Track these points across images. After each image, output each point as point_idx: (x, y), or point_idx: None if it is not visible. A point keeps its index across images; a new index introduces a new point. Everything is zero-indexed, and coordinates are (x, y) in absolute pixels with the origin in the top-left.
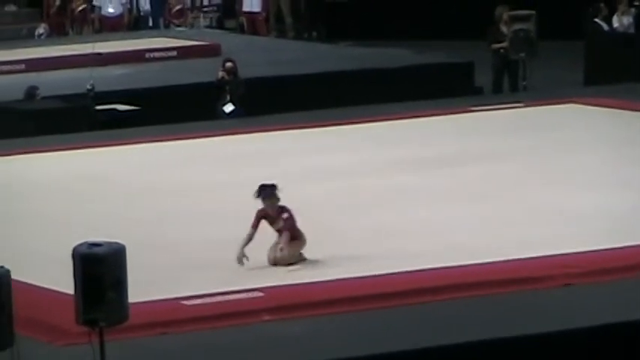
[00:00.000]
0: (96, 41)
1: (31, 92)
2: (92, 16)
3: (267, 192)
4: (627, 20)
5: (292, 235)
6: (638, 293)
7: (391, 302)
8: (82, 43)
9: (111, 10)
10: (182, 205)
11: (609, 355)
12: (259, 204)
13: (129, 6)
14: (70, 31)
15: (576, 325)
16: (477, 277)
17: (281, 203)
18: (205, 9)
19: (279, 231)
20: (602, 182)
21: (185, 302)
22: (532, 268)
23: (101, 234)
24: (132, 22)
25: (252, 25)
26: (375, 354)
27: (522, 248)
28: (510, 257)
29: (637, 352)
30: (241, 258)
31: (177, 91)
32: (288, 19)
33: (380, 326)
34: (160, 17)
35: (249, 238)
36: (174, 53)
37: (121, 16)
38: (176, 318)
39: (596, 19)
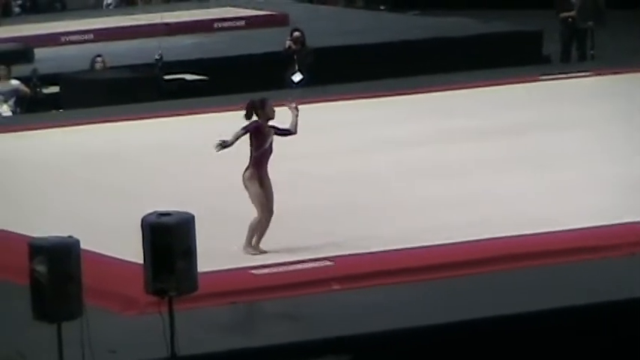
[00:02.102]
0: (164, 11)
1: (92, 61)
2: None
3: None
4: None
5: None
6: None
7: (458, 271)
8: (150, 13)
9: None
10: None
11: None
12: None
13: None
14: (139, 1)
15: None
16: (543, 247)
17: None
18: None
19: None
20: None
21: (254, 272)
22: (597, 237)
23: (170, 203)
24: None
25: None
26: (443, 323)
27: (587, 217)
28: (575, 226)
29: None
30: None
31: (246, 60)
32: None
33: (448, 295)
34: None
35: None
36: (243, 23)
37: None
38: (245, 287)
39: None
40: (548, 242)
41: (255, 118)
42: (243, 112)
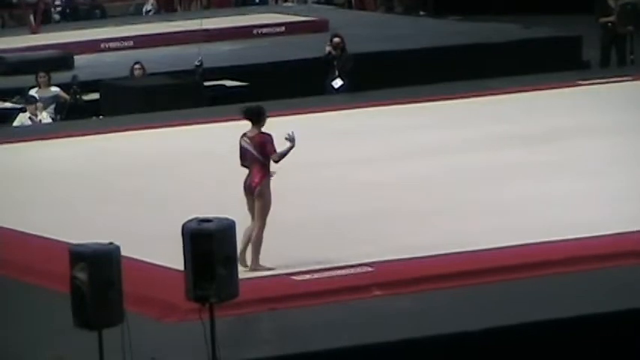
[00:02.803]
0: (204, 17)
1: (131, 68)
2: None
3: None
4: None
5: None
6: None
7: (499, 277)
8: (189, 19)
9: None
10: (290, 181)
11: None
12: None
13: None
14: (178, 7)
15: None
16: (583, 252)
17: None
18: None
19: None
20: None
21: (295, 278)
22: (633, 243)
23: (211, 210)
24: None
25: (361, 0)
26: (484, 329)
27: (627, 223)
28: (615, 231)
29: None
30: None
31: (285, 66)
32: None
33: (488, 301)
34: None
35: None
36: (282, 29)
37: None
38: (286, 294)
39: None
40: (590, 247)
41: (257, 125)
42: (249, 120)
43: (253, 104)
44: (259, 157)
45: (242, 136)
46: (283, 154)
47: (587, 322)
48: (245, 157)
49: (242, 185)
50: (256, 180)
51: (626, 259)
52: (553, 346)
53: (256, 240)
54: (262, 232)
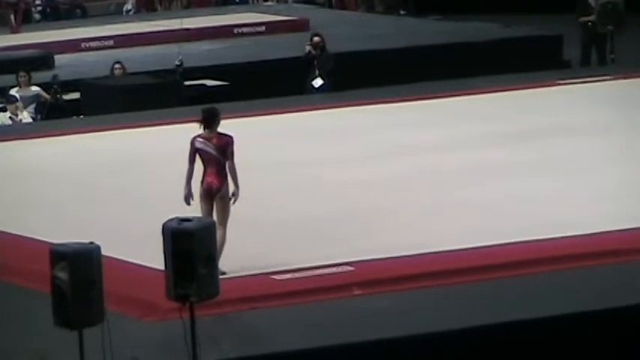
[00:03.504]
0: (184, 17)
1: (112, 67)
2: None
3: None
4: None
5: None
6: None
7: (478, 276)
8: (170, 18)
9: None
10: (269, 181)
11: None
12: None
13: None
14: (159, 7)
15: None
16: (565, 251)
17: None
18: None
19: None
20: None
21: (275, 277)
22: (619, 241)
23: (191, 209)
24: None
25: None
26: (463, 328)
27: (608, 221)
28: (596, 230)
29: None
30: (189, 197)
31: (266, 66)
32: None
33: (467, 300)
34: None
35: (190, 174)
36: (263, 28)
37: None
38: (267, 293)
39: None
40: (570, 246)
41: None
42: (205, 122)
43: (208, 106)
44: (220, 158)
45: (195, 138)
46: (235, 176)
47: (569, 321)
48: (203, 159)
49: (200, 195)
50: (217, 183)
51: (606, 258)
52: (533, 345)
53: (220, 245)
54: (225, 235)
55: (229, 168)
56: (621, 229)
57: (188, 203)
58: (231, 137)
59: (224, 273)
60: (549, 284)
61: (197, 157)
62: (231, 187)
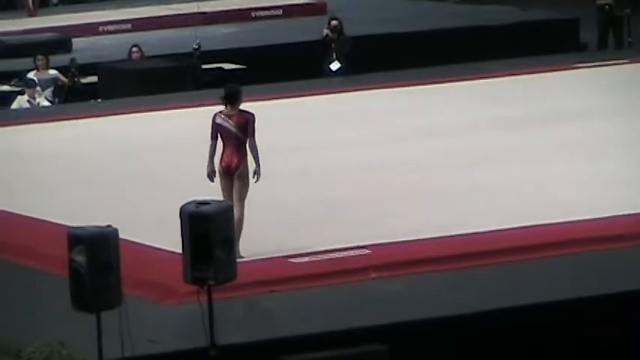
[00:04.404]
0: (201, 0)
1: (129, 51)
2: None
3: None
4: None
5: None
6: None
7: (492, 260)
8: (187, 2)
9: None
10: (289, 164)
11: None
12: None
13: None
14: None
15: None
16: (580, 235)
17: None
18: None
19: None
20: None
21: (293, 260)
22: (632, 225)
23: (209, 192)
24: None
25: None
26: (478, 311)
27: (626, 205)
28: (613, 214)
29: None
30: (212, 174)
31: (283, 49)
32: None
33: (481, 284)
34: None
35: (213, 150)
36: (280, 12)
37: None
38: (284, 276)
39: None
40: (583, 230)
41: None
42: (227, 99)
43: (230, 84)
44: (240, 135)
45: (216, 114)
46: (257, 154)
47: (581, 305)
48: (222, 135)
49: (219, 173)
50: (236, 161)
51: (619, 242)
52: (548, 329)
53: (239, 223)
54: (243, 212)
55: (250, 146)
56: (635, 212)
57: (212, 180)
58: (252, 115)
59: (242, 257)
60: (563, 268)
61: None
62: (252, 166)
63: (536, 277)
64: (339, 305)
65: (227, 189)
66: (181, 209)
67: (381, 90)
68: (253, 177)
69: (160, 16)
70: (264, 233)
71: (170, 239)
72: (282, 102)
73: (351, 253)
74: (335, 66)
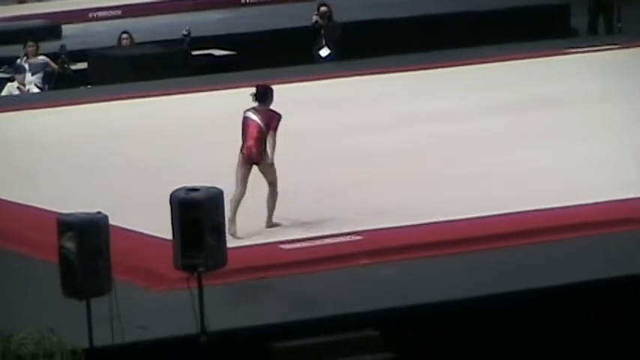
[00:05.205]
0: None
1: (119, 38)
2: None
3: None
4: None
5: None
6: None
7: (484, 245)
8: None
9: None
10: (278, 151)
11: None
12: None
13: None
14: None
15: None
16: (571, 220)
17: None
18: None
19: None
20: None
21: (283, 246)
22: (624, 210)
23: (199, 179)
24: None
25: None
26: (470, 297)
27: (618, 190)
28: (605, 199)
29: None
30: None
31: (274, 35)
32: None
33: (472, 269)
34: None
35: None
36: None
37: None
38: (274, 262)
39: None
40: (576, 215)
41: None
42: (257, 97)
43: (262, 84)
44: (264, 128)
45: (247, 110)
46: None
47: (575, 290)
48: (248, 127)
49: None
50: (255, 151)
51: (614, 227)
52: (540, 313)
53: (271, 201)
54: (274, 193)
55: (269, 138)
56: (628, 197)
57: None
58: (279, 114)
59: (278, 224)
60: (555, 253)
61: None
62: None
63: (528, 263)
64: (330, 291)
65: (243, 176)
66: (171, 196)
67: (371, 76)
68: (271, 164)
69: (150, 3)
70: (252, 219)
71: (160, 225)
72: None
73: (342, 239)
74: (325, 52)
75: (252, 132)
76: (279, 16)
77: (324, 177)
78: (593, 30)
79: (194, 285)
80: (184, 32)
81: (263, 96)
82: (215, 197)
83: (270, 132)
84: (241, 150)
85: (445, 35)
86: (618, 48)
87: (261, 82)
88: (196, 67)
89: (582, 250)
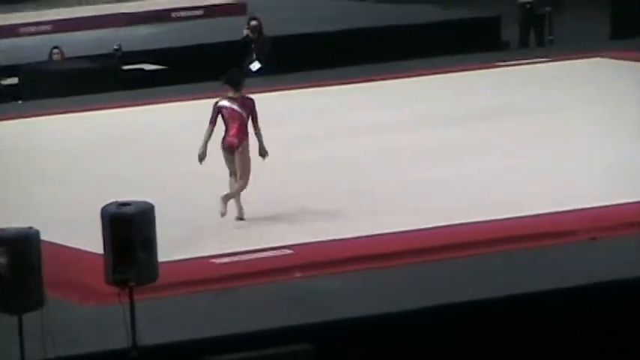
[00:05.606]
0: (122, 1)
1: (50, 52)
2: None
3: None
4: None
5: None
6: None
7: (421, 258)
8: (108, 3)
9: None
10: (208, 166)
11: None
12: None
13: None
14: None
15: (598, 280)
16: (508, 232)
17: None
18: None
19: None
20: (631, 135)
21: (215, 260)
22: (557, 222)
23: (129, 194)
24: None
25: None
26: (404, 310)
27: (550, 203)
28: (538, 212)
29: None
30: (203, 156)
31: (204, 49)
32: None
33: (409, 283)
34: None
35: (209, 135)
36: (201, 12)
37: None
38: (206, 277)
39: None
40: (513, 228)
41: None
42: (231, 83)
43: (234, 69)
44: (244, 116)
45: (219, 100)
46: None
47: (509, 303)
48: (226, 117)
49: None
50: (237, 140)
51: (548, 240)
52: (477, 326)
53: (235, 191)
54: (243, 185)
55: (255, 130)
56: (562, 210)
57: (200, 162)
58: (253, 100)
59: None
60: (490, 266)
61: (219, 118)
62: (254, 145)
63: (472, 274)
64: (264, 305)
65: (231, 163)
66: (102, 211)
67: (302, 90)
68: (263, 155)
69: (81, 18)
70: (185, 234)
71: (92, 240)
72: (202, 102)
73: (274, 253)
74: (255, 66)
75: (233, 123)
76: (209, 30)
77: (259, 191)
78: (524, 42)
79: (125, 300)
80: (115, 47)
81: (238, 82)
82: (146, 212)
83: (254, 124)
84: (223, 140)
85: (377, 48)
86: (549, 61)
87: (231, 70)
88: (127, 81)
89: (523, 262)
